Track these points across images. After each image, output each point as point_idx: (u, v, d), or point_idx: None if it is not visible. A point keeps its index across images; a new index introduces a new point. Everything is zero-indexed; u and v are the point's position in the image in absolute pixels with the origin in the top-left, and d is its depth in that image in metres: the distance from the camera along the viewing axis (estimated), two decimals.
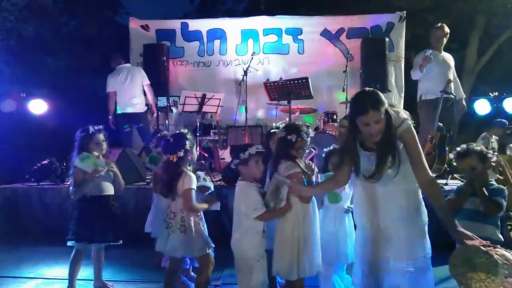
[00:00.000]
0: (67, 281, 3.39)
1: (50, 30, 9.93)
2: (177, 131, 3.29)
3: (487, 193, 2.70)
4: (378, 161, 2.43)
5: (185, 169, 3.07)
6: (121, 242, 3.45)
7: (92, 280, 3.60)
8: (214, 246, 3.19)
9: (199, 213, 3.15)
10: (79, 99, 8.33)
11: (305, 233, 2.82)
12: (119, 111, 6.59)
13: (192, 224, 3.05)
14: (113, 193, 3.47)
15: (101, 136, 3.43)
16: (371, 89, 2.51)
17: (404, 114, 2.50)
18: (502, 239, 2.70)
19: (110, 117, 6.57)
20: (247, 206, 2.76)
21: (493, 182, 2.79)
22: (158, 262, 4.01)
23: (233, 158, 2.88)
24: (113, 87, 6.54)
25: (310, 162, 3.02)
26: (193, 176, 3.10)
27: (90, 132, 3.38)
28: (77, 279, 3.45)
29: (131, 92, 6.60)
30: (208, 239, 3.16)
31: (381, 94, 2.44)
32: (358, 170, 2.52)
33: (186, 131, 3.22)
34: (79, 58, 9.64)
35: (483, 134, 6.77)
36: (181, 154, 3.04)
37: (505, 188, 2.77)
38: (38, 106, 7.03)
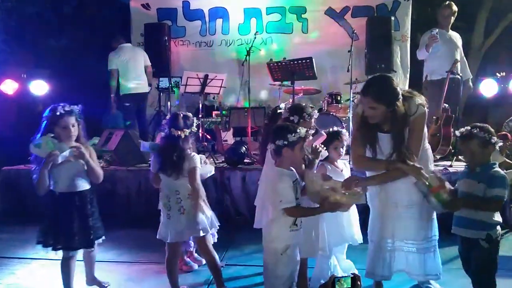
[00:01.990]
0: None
1: (50, 10, 9.80)
2: (183, 113, 3.08)
3: (486, 176, 2.57)
4: (394, 148, 2.63)
5: (189, 149, 2.97)
6: (100, 242, 3.06)
7: (112, 261, 3.65)
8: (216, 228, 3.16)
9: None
10: (81, 80, 8.24)
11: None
12: (124, 92, 6.56)
13: (202, 204, 3.02)
14: (88, 188, 2.97)
15: (70, 119, 2.86)
16: (385, 77, 2.69)
17: (419, 100, 2.71)
18: (500, 221, 2.61)
19: (112, 95, 6.52)
20: (276, 195, 2.48)
21: (496, 167, 2.61)
22: None
23: (274, 138, 2.51)
24: (115, 65, 6.50)
25: (318, 145, 2.94)
26: (198, 156, 3.04)
27: (58, 113, 2.83)
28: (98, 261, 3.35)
29: (136, 71, 6.61)
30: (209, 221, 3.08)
31: (392, 87, 2.60)
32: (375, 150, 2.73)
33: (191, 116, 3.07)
34: (80, 38, 9.53)
35: None
36: (186, 133, 2.93)
37: (506, 175, 2.59)
38: (39, 87, 6.96)
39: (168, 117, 3.10)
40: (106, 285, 3.28)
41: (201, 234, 2.99)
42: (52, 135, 2.79)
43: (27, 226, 4.73)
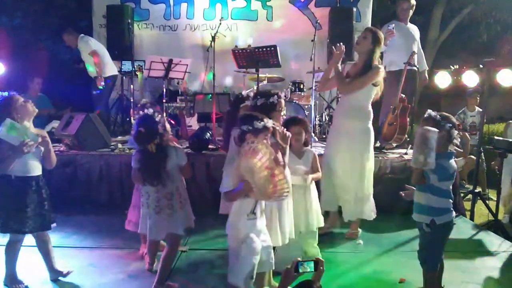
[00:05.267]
0: (5, 272, 3.00)
1: None
2: (140, 108, 3.07)
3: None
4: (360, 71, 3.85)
5: (167, 146, 2.95)
6: (52, 227, 3.05)
7: (74, 247, 3.64)
8: None
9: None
10: (40, 61, 7.95)
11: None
12: (105, 75, 6.44)
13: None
14: (41, 173, 3.00)
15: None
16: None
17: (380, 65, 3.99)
18: (448, 207, 2.74)
19: (100, 76, 6.32)
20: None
21: (441, 157, 2.67)
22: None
23: (240, 123, 2.56)
24: (95, 46, 6.40)
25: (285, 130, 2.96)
26: (181, 149, 3.07)
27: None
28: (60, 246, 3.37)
29: (108, 55, 6.62)
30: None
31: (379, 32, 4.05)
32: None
33: (151, 111, 2.95)
34: (38, 18, 9.13)
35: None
36: (157, 141, 2.88)
37: (446, 165, 2.69)
38: None
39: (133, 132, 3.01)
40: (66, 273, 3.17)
41: (181, 233, 3.03)
42: (29, 124, 2.84)
43: None
